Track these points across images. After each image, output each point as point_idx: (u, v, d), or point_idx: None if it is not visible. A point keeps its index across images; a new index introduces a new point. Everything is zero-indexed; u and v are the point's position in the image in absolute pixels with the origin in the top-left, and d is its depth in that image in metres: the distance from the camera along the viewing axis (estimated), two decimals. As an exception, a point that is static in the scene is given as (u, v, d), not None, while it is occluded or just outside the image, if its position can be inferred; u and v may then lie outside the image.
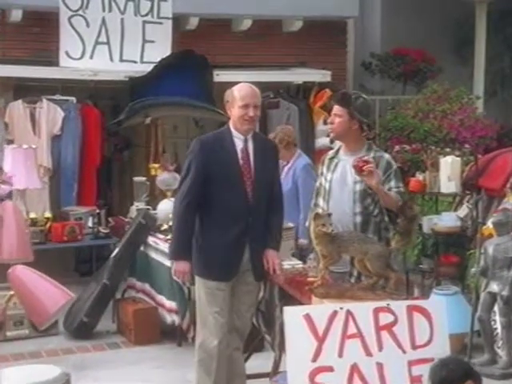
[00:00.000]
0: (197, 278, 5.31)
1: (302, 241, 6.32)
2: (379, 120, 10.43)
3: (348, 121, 5.18)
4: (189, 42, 9.49)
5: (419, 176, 7.84)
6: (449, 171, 7.49)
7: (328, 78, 9.85)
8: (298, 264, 5.58)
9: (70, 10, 9.03)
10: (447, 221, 7.41)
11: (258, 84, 9.54)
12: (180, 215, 5.21)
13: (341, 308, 4.42)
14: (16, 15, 9.02)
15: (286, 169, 7.21)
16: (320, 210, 5.20)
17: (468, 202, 7.50)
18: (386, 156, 5.26)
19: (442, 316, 4.56)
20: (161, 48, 9.32)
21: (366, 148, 5.28)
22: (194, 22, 9.71)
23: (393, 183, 5.13)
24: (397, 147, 9.40)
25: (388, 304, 4.49)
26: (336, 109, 5.21)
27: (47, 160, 8.95)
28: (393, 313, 4.47)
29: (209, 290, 5.22)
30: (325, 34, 10.42)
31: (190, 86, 9.05)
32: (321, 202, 5.39)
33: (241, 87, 5.20)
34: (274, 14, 9.95)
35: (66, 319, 7.52)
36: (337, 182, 5.29)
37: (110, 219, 8.43)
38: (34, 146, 8.14)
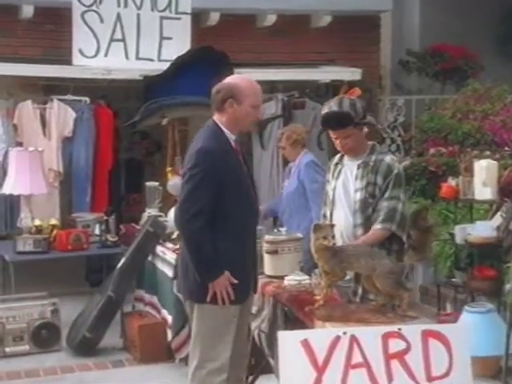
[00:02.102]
0: (206, 306, 4.53)
1: None
2: (415, 121, 9.82)
3: (358, 132, 4.69)
4: (209, 39, 8.92)
5: (452, 181, 7.17)
6: (484, 176, 6.81)
7: (358, 77, 9.23)
8: (304, 279, 4.97)
9: (83, 5, 8.56)
10: (482, 230, 6.72)
11: (282, 83, 9.30)
12: (199, 237, 4.42)
13: (344, 333, 3.84)
14: (27, 11, 8.60)
15: (292, 169, 6.78)
16: (321, 221, 4.71)
17: (501, 210, 6.83)
18: (387, 159, 4.67)
19: (463, 343, 3.95)
20: (179, 45, 8.79)
21: (368, 151, 4.73)
22: (214, 18, 9.18)
23: (387, 194, 4.58)
24: (432, 150, 8.77)
25: (399, 329, 3.89)
26: (341, 133, 4.66)
27: (57, 163, 8.51)
28: (405, 339, 3.88)
29: (224, 316, 4.52)
30: (356, 29, 9.82)
31: (208, 84, 8.47)
32: (328, 211, 4.86)
33: (250, 83, 4.56)
34: (300, 8, 9.39)
35: (69, 334, 7.06)
36: (339, 190, 4.78)
37: (121, 226, 7.92)
38: (40, 149, 7.70)
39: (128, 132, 10.44)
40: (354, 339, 3.82)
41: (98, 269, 8.21)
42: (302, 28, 9.67)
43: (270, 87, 9.38)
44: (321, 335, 3.93)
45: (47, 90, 8.92)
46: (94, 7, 8.60)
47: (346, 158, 4.80)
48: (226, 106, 4.50)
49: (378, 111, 10.02)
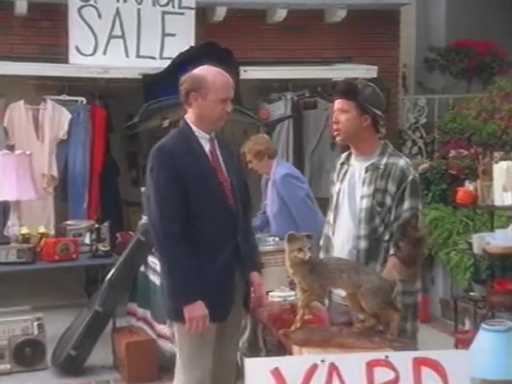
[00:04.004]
0: (182, 326, 4.03)
1: None
2: (437, 122, 9.20)
3: (357, 116, 3.98)
4: (215, 36, 8.39)
5: (469, 185, 6.55)
6: (504, 179, 6.19)
7: (374, 74, 8.62)
8: (290, 296, 4.41)
9: (80, -1, 8.09)
10: (502, 240, 6.10)
11: (292, 81, 8.74)
12: (173, 248, 3.96)
13: (322, 360, 3.29)
14: (21, 7, 8.12)
15: (269, 183, 6.32)
16: (325, 228, 4.16)
17: (520, 217, 6.21)
18: (401, 163, 3.95)
19: (461, 372, 3.40)
20: (182, 42, 8.26)
21: (379, 151, 4.06)
22: (221, 13, 8.63)
23: (406, 203, 3.88)
24: (452, 152, 8.14)
25: (387, 356, 3.33)
26: (340, 103, 4.03)
27: (51, 168, 8.04)
28: (393, 368, 3.32)
29: (199, 337, 4.02)
30: (373, 24, 9.21)
31: (212, 83, 7.96)
32: (331, 218, 4.20)
33: (216, 74, 4.08)
34: (313, 2, 8.87)
35: (55, 352, 6.54)
36: (344, 195, 4.10)
37: (117, 235, 7.40)
38: (28, 152, 7.18)
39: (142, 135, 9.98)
40: (333, 368, 3.29)
41: (96, 280, 7.71)
42: (315, 23, 9.08)
43: (278, 86, 8.87)
44: (295, 363, 3.39)
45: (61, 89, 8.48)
46: (91, 2, 8.13)
47: (353, 158, 4.14)
48: (191, 100, 4.06)
49: (397, 111, 9.45)
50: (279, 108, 8.66)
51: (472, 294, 6.54)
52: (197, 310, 3.92)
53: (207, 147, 4.09)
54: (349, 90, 4.02)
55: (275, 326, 4.13)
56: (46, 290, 7.56)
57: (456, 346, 6.38)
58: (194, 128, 4.07)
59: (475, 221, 6.81)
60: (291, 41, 8.98)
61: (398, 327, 3.61)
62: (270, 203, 6.35)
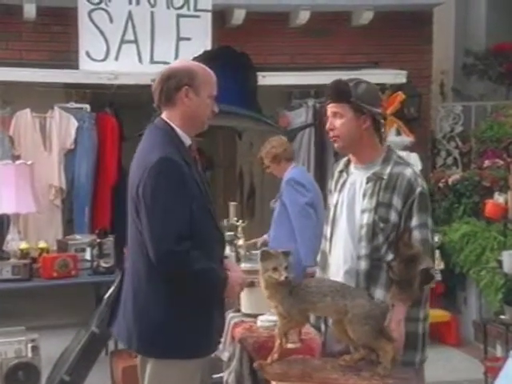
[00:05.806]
0: (165, 363, 3.41)
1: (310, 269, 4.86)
2: (472, 130, 8.61)
3: (354, 118, 3.52)
4: (233, 40, 7.93)
5: (499, 197, 5.96)
6: (535, 191, 5.63)
7: (403, 80, 8.11)
8: (281, 320, 3.89)
9: (90, 2, 7.69)
10: (534, 257, 5.53)
11: (315, 87, 8.22)
12: (188, 263, 3.31)
13: (300, 399, 2.82)
14: (29, 11, 7.74)
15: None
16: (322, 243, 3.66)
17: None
18: (408, 174, 3.45)
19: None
20: (198, 46, 7.74)
21: (382, 158, 3.54)
22: (239, 16, 8.13)
23: (414, 220, 3.39)
24: (487, 162, 7.55)
25: (376, 395, 2.83)
26: (332, 107, 3.56)
27: (59, 179, 7.65)
28: (384, 409, 2.82)
29: (186, 372, 3.42)
30: (403, 27, 8.63)
31: (228, 90, 7.44)
32: (328, 233, 3.67)
33: (202, 68, 3.54)
34: (337, 3, 8.33)
35: (50, 376, 6.07)
36: (342, 208, 3.58)
37: (124, 249, 6.94)
38: (29, 162, 6.82)
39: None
40: (313, 408, 2.80)
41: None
42: (340, 26, 8.55)
43: (299, 92, 8.38)
44: (267, 402, 2.91)
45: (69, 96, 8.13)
46: (102, 5, 7.72)
47: (352, 166, 3.65)
48: (180, 96, 3.45)
49: (430, 119, 8.88)
50: (300, 115, 8.15)
51: (503, 317, 5.94)
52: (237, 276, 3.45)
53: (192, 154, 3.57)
54: (339, 91, 3.53)
55: (258, 356, 3.62)
56: (45, 308, 7.15)
57: (485, 375, 5.82)
58: (180, 132, 3.46)
59: (508, 236, 6.23)
60: (315, 45, 8.44)
61: (391, 360, 3.07)
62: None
